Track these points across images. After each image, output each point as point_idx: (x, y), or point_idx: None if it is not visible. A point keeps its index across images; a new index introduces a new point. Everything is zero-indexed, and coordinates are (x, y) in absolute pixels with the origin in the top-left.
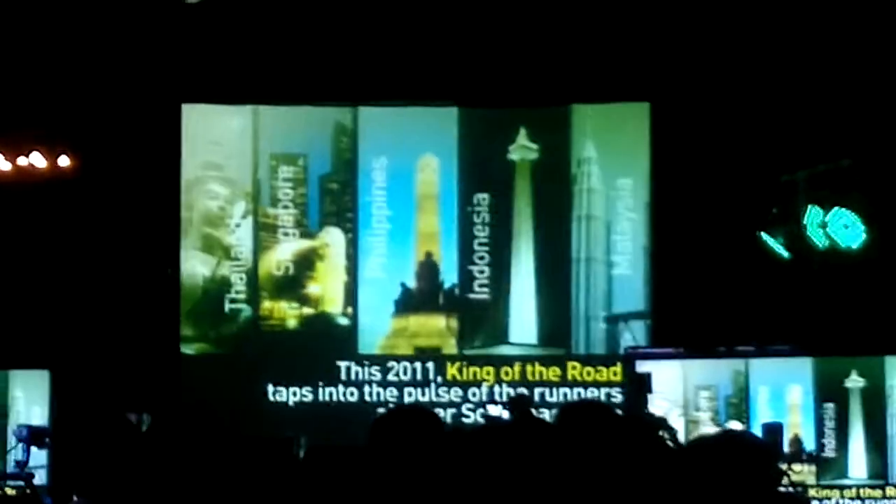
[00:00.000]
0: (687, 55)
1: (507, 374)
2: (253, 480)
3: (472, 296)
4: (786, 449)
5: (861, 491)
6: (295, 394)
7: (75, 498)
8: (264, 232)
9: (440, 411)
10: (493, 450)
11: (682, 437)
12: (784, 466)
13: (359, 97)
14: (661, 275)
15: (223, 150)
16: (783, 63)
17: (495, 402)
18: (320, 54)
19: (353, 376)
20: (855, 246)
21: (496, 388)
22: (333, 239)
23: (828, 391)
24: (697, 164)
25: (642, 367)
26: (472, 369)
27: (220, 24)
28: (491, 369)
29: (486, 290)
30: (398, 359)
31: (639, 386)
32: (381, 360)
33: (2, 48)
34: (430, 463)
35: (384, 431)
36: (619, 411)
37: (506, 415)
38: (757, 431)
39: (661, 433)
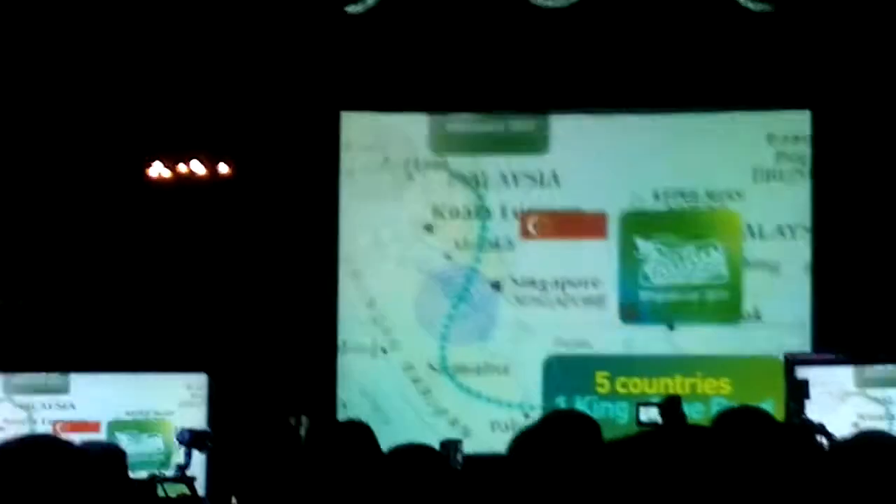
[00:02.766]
0: (845, 60)
1: None
2: (411, 488)
3: None
4: None
5: None
6: None
7: (234, 501)
8: None
9: None
10: (650, 459)
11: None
12: None
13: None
14: (822, 282)
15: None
16: None
17: (649, 404)
18: (482, 64)
19: None
20: None
21: None
22: None
23: None
24: (860, 168)
25: (802, 373)
26: None
27: (381, 32)
28: None
29: None
30: None
31: (797, 392)
32: None
33: (162, 57)
34: (588, 473)
35: (540, 440)
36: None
37: (658, 417)
38: None
39: (819, 439)
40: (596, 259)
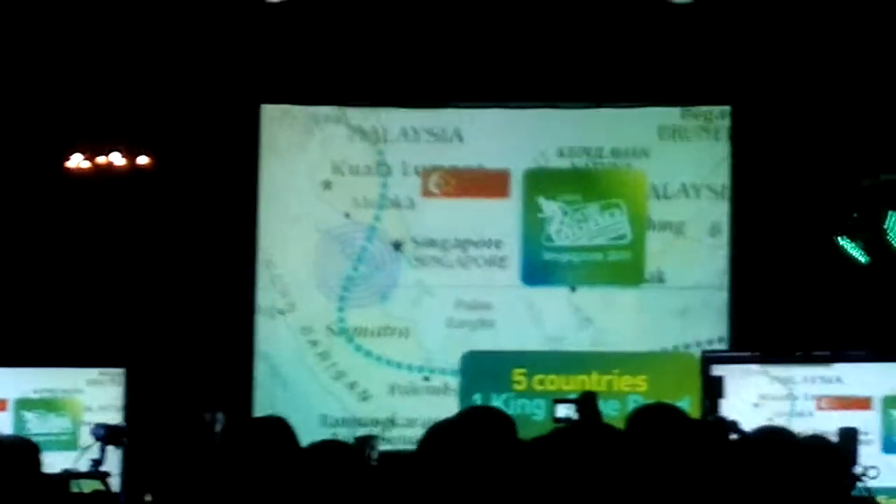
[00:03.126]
0: (766, 57)
1: None
2: (325, 485)
3: None
4: None
5: None
6: None
7: (148, 497)
8: None
9: None
10: (562, 456)
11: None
12: (859, 471)
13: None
14: (739, 280)
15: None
16: (864, 66)
17: (565, 401)
18: (404, 55)
19: None
20: None
21: None
22: None
23: None
24: (776, 169)
25: (717, 371)
26: None
27: (301, 24)
28: None
29: None
30: None
31: (712, 389)
32: None
33: (82, 48)
34: (502, 471)
35: (454, 434)
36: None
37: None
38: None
39: (732, 437)
40: (498, 219)
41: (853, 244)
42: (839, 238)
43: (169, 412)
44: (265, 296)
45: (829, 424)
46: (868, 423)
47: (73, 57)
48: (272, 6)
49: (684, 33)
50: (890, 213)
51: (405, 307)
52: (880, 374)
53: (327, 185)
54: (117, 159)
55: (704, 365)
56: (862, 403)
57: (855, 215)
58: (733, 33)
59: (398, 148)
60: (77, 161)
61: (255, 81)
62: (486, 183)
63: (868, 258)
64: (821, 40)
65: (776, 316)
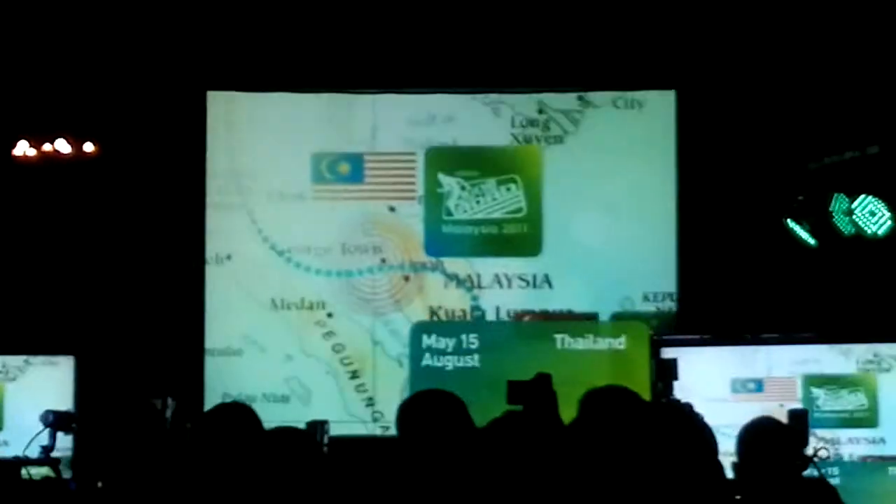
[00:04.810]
0: (710, 41)
1: None
2: (277, 470)
3: None
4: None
5: None
6: None
7: (99, 483)
8: None
9: None
10: (514, 439)
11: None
12: (810, 453)
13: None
14: (686, 263)
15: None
16: (810, 49)
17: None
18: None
19: None
20: (881, 233)
21: None
22: None
23: None
24: (723, 152)
25: (668, 353)
26: None
27: (247, 10)
28: None
29: None
30: None
31: (665, 372)
32: None
33: (27, 35)
34: (459, 455)
35: (413, 419)
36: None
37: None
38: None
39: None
40: None
41: (801, 227)
42: (787, 221)
43: (118, 398)
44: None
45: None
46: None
47: (17, 43)
48: None
49: (629, 17)
50: (836, 195)
51: None
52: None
53: None
54: (63, 146)
55: (655, 348)
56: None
57: (801, 198)
58: (678, 17)
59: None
60: (23, 148)
61: (202, 67)
62: None
63: (816, 241)
64: (766, 23)
65: (724, 298)
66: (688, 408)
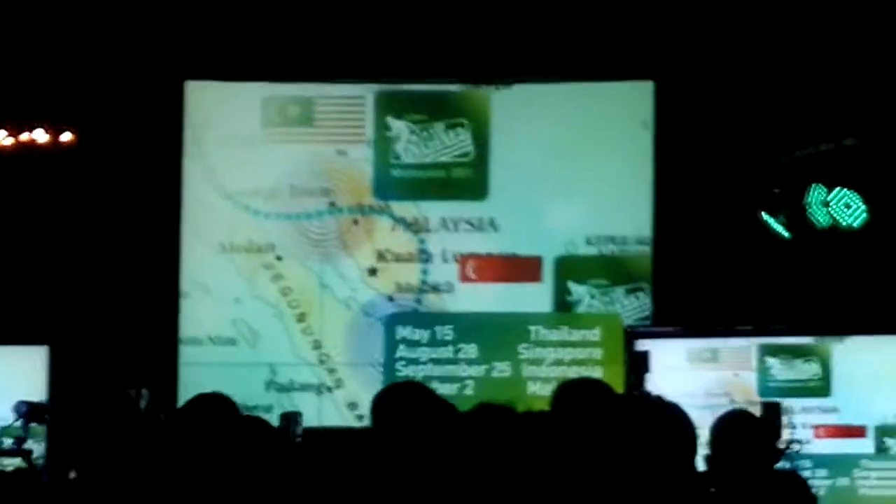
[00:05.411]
0: (685, 32)
1: None
2: (250, 462)
3: None
4: None
5: None
6: None
7: (72, 474)
8: None
9: None
10: (488, 434)
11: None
12: (783, 446)
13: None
14: (661, 255)
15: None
16: (784, 41)
17: None
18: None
19: None
20: (856, 225)
21: None
22: None
23: None
24: (698, 145)
25: (642, 345)
26: None
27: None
28: None
29: None
30: None
31: (637, 364)
32: None
33: (5, 26)
34: (435, 446)
35: (387, 410)
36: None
37: None
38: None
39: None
40: None
41: (776, 220)
42: (762, 214)
43: (92, 388)
44: (314, 374)
45: None
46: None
47: None
48: None
49: (604, 8)
50: (813, 186)
51: None
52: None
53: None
54: (41, 136)
55: (628, 339)
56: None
57: (776, 191)
58: (653, 9)
59: None
60: (0, 137)
61: (180, 56)
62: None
63: (790, 234)
64: (739, 16)
65: (699, 291)
66: (659, 400)
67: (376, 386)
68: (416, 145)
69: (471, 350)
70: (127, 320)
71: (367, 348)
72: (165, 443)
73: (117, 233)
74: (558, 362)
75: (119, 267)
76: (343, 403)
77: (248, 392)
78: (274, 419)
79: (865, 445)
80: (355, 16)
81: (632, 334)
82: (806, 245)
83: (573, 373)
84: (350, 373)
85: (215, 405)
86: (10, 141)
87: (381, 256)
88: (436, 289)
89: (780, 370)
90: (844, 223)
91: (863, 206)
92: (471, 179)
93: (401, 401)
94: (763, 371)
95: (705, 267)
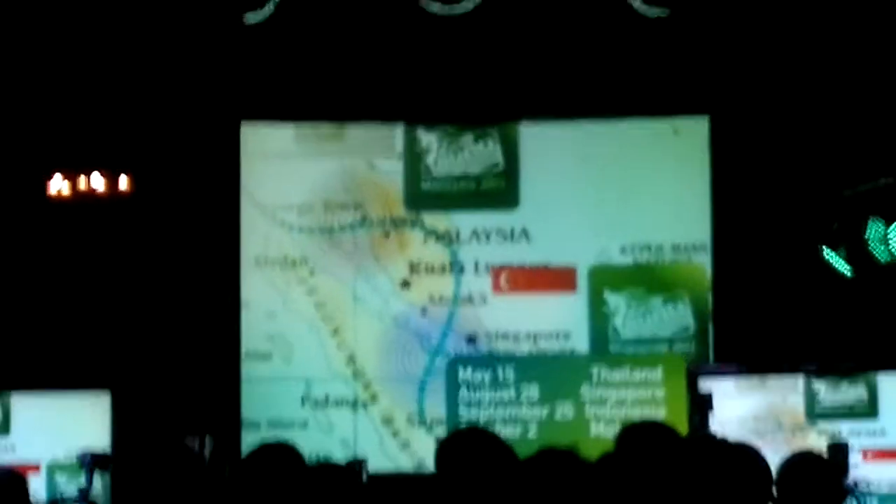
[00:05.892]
0: (744, 66)
1: None
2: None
3: None
4: None
5: None
6: None
7: None
8: None
9: None
10: (552, 482)
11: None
12: (850, 485)
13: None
14: (721, 291)
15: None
16: (844, 75)
17: None
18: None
19: None
20: None
21: None
22: None
23: None
24: (757, 179)
25: (705, 384)
26: None
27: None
28: None
29: None
30: None
31: (702, 405)
32: None
33: (61, 71)
34: (498, 498)
35: (453, 458)
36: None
37: None
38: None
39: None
40: None
41: (836, 255)
42: (823, 249)
43: (155, 438)
44: (349, 387)
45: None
46: None
47: (52, 78)
48: (254, 27)
49: (660, 45)
50: (871, 221)
51: None
52: None
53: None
54: (98, 182)
55: (690, 379)
56: None
57: (835, 226)
58: (710, 43)
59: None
60: (58, 185)
61: (237, 101)
62: None
63: (851, 269)
64: (800, 49)
65: (760, 329)
66: (724, 442)
67: (412, 403)
68: (445, 157)
69: (532, 391)
70: (188, 362)
71: (400, 362)
72: (231, 495)
73: (178, 277)
74: (621, 402)
75: (180, 312)
76: (379, 420)
77: (284, 407)
78: (310, 436)
79: None
80: (387, 55)
81: (694, 373)
82: (866, 280)
83: (636, 413)
84: (384, 388)
85: (280, 456)
86: (67, 188)
87: (413, 269)
88: (469, 300)
89: (827, 394)
90: None
91: None
92: (501, 189)
93: (465, 448)
94: (810, 395)
95: (764, 301)
